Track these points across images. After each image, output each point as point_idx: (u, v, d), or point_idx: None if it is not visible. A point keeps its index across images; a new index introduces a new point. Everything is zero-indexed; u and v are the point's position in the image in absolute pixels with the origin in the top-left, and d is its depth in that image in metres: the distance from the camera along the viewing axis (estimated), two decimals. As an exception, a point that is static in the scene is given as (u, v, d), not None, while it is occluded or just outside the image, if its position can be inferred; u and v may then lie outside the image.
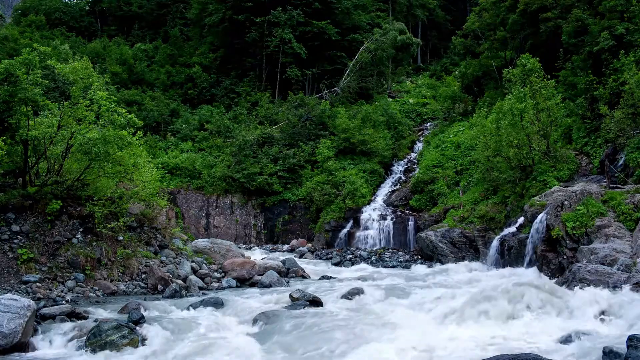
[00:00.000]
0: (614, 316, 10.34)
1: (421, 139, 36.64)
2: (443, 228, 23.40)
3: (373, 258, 24.20)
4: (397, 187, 31.21)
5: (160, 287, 15.21)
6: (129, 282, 15.26)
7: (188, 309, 12.63)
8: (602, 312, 10.54)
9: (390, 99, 44.30)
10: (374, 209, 28.73)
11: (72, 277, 14.06)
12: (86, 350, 9.57)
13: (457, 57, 52.03)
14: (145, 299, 13.59)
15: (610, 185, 18.20)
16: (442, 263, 21.82)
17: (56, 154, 15.33)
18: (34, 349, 9.82)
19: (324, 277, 18.88)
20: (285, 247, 28.75)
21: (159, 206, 17.88)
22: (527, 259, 17.59)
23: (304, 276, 19.04)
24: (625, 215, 15.66)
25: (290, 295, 13.43)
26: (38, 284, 13.25)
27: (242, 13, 42.19)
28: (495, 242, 19.94)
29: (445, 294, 13.27)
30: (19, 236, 14.06)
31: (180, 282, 15.71)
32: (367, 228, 27.81)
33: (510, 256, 18.73)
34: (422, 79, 53.27)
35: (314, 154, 32.97)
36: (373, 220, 27.86)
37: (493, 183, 23.55)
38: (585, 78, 23.21)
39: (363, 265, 22.90)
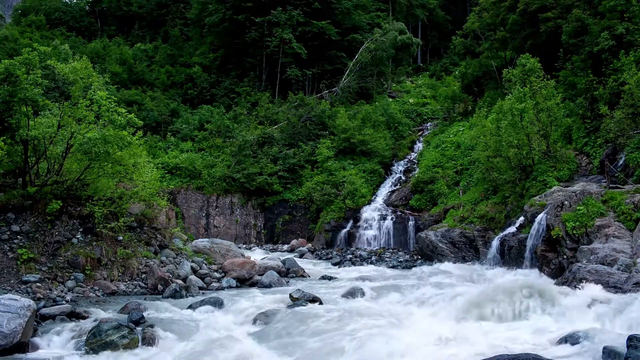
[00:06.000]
0: (614, 316, 10.34)
1: (421, 139, 36.63)
2: (443, 228, 23.40)
3: (373, 258, 24.20)
4: (397, 187, 31.21)
5: (160, 287, 15.21)
6: (129, 282, 15.25)
7: (188, 308, 12.64)
8: (602, 312, 10.54)
9: (390, 99, 44.30)
10: (374, 209, 28.73)
11: (72, 277, 14.06)
12: (86, 350, 9.57)
13: (457, 57, 52.03)
14: (145, 299, 13.59)
15: (610, 185, 18.20)
16: (442, 263, 21.81)
17: (56, 154, 15.33)
18: (34, 349, 9.82)
19: (324, 277, 18.88)
20: (285, 247, 28.75)
21: (159, 206, 17.88)
22: (527, 259, 17.58)
23: (304, 276, 19.04)
24: (625, 215, 15.65)
25: (291, 295, 13.44)
26: (38, 284, 13.25)
27: (242, 13, 42.18)
28: (495, 242, 19.93)
29: (445, 294, 13.27)
30: (19, 236, 14.06)
31: (180, 282, 15.71)
32: (367, 228, 27.81)
33: (510, 256, 18.73)
34: (422, 79, 53.27)
35: (314, 154, 32.97)
36: (373, 220, 27.85)
37: (493, 183, 23.54)
38: (585, 78, 23.20)
39: (363, 265, 22.90)
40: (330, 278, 18.69)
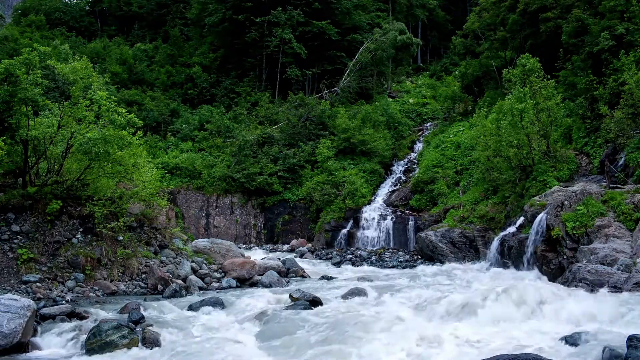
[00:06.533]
0: (614, 316, 10.34)
1: (421, 139, 36.64)
2: (443, 228, 23.39)
3: (373, 258, 24.19)
4: (397, 187, 31.21)
5: (160, 287, 15.21)
6: (129, 282, 15.25)
7: (188, 309, 12.64)
8: (602, 312, 10.53)
9: (390, 99, 44.30)
10: (374, 209, 28.72)
11: (72, 277, 14.06)
12: (86, 350, 9.58)
13: (457, 57, 52.03)
14: (145, 299, 13.59)
15: (610, 185, 18.20)
16: (442, 263, 21.84)
17: (56, 154, 15.33)
18: (34, 349, 9.83)
19: (324, 277, 18.88)
20: (285, 247, 28.75)
21: (159, 206, 17.88)
22: (527, 259, 17.58)
23: (304, 276, 19.04)
24: (625, 215, 15.65)
25: (290, 295, 13.44)
26: (38, 284, 13.25)
27: (242, 13, 42.19)
28: (495, 242, 19.93)
29: (445, 294, 13.27)
30: (19, 236, 14.06)
31: (180, 282, 15.71)
32: (367, 228, 27.80)
33: (510, 256, 18.73)
34: (422, 79, 53.28)
35: (314, 154, 32.97)
36: (373, 220, 27.85)
37: (493, 183, 23.54)
38: (585, 78, 23.20)
39: (363, 265, 22.91)
40: (330, 278, 18.69)
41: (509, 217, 21.00)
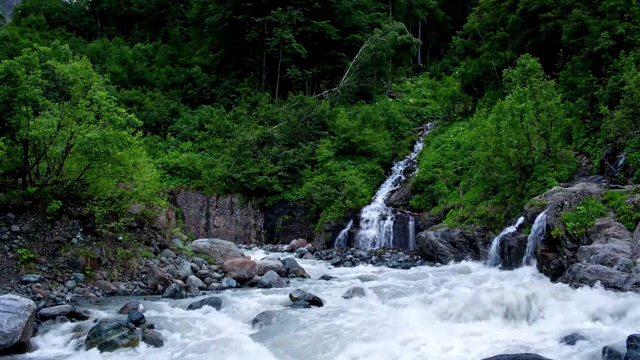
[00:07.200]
0: (614, 316, 10.34)
1: (421, 139, 36.64)
2: (443, 228, 23.39)
3: (373, 258, 24.20)
4: (397, 187, 31.21)
5: (160, 287, 15.21)
6: (129, 282, 15.25)
7: (188, 309, 12.65)
8: (602, 313, 10.53)
9: (390, 99, 44.30)
10: (374, 209, 28.72)
11: (72, 277, 14.07)
12: (86, 350, 9.58)
13: (457, 57, 52.04)
14: (145, 299, 13.59)
15: (610, 185, 18.20)
16: (442, 263, 21.85)
17: (56, 154, 15.33)
18: (34, 349, 9.83)
19: (324, 277, 18.88)
20: (285, 247, 28.75)
21: (159, 206, 17.88)
22: (527, 259, 17.58)
23: (304, 276, 19.04)
24: (625, 215, 15.64)
25: (290, 295, 13.44)
26: (38, 284, 13.25)
27: (242, 13, 42.20)
28: (495, 242, 19.93)
29: (445, 294, 13.27)
30: (19, 236, 14.06)
31: (180, 282, 15.71)
32: (367, 228, 27.80)
33: (510, 256, 18.73)
34: (422, 79, 53.28)
35: (314, 154, 32.98)
36: (373, 220, 27.85)
37: (493, 183, 23.54)
38: (585, 78, 23.20)
39: (363, 265, 22.91)
40: (330, 278, 18.69)
41: (509, 217, 21.01)
